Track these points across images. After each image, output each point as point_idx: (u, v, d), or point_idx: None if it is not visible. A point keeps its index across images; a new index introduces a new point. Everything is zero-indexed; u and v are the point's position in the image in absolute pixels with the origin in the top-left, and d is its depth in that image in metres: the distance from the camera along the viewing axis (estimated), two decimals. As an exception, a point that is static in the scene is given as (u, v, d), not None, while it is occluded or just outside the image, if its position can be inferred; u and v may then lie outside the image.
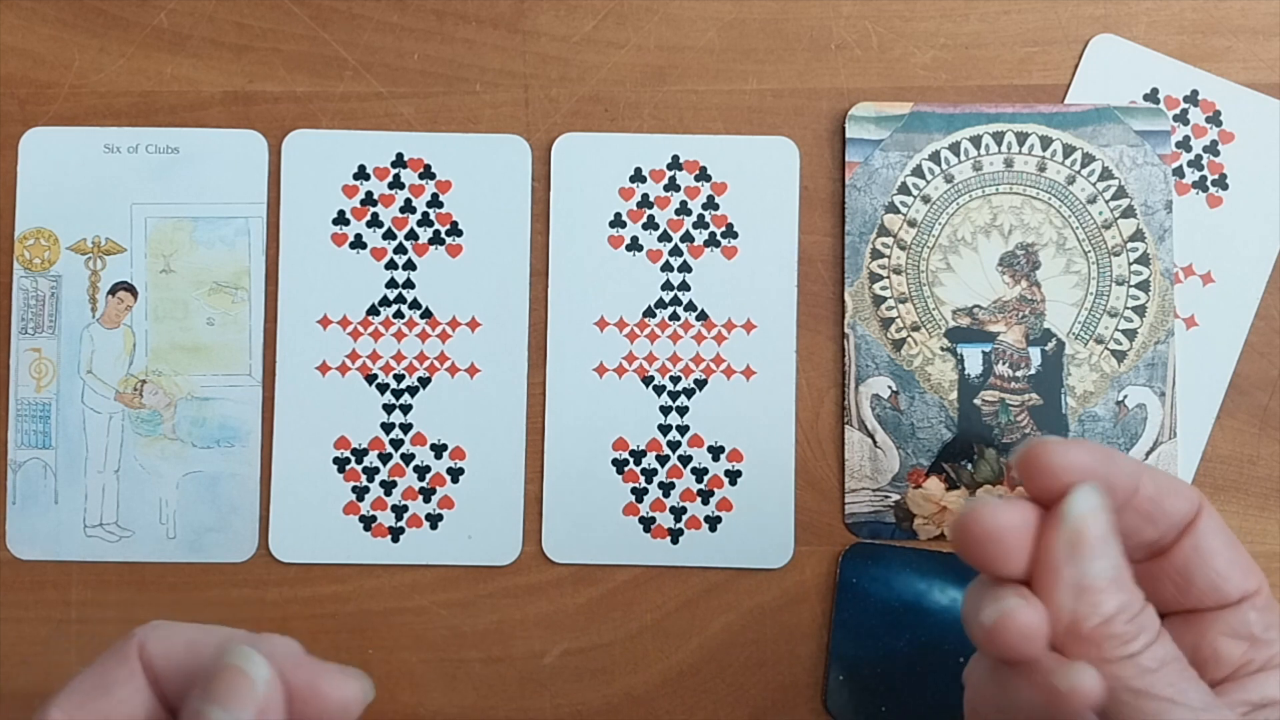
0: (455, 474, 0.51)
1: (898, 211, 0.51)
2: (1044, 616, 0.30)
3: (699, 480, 0.50)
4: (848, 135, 0.51)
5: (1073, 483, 0.31)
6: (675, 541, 0.50)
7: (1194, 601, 0.34)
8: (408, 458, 0.51)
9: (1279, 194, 0.51)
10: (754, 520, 0.50)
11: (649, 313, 0.51)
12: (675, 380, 0.51)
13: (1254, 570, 0.33)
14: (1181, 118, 0.52)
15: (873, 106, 0.51)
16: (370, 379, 0.51)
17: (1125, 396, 0.50)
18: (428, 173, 0.51)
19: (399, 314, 0.51)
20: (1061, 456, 0.31)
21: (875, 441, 0.50)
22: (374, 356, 0.51)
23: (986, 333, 0.51)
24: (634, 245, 0.51)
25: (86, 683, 0.30)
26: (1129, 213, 0.51)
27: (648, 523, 0.50)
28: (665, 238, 0.51)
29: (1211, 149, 0.51)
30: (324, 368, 0.51)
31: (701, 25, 0.52)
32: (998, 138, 0.51)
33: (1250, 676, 0.33)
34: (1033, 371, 0.51)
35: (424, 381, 0.51)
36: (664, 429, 0.51)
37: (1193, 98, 0.52)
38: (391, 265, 0.51)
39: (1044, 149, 0.51)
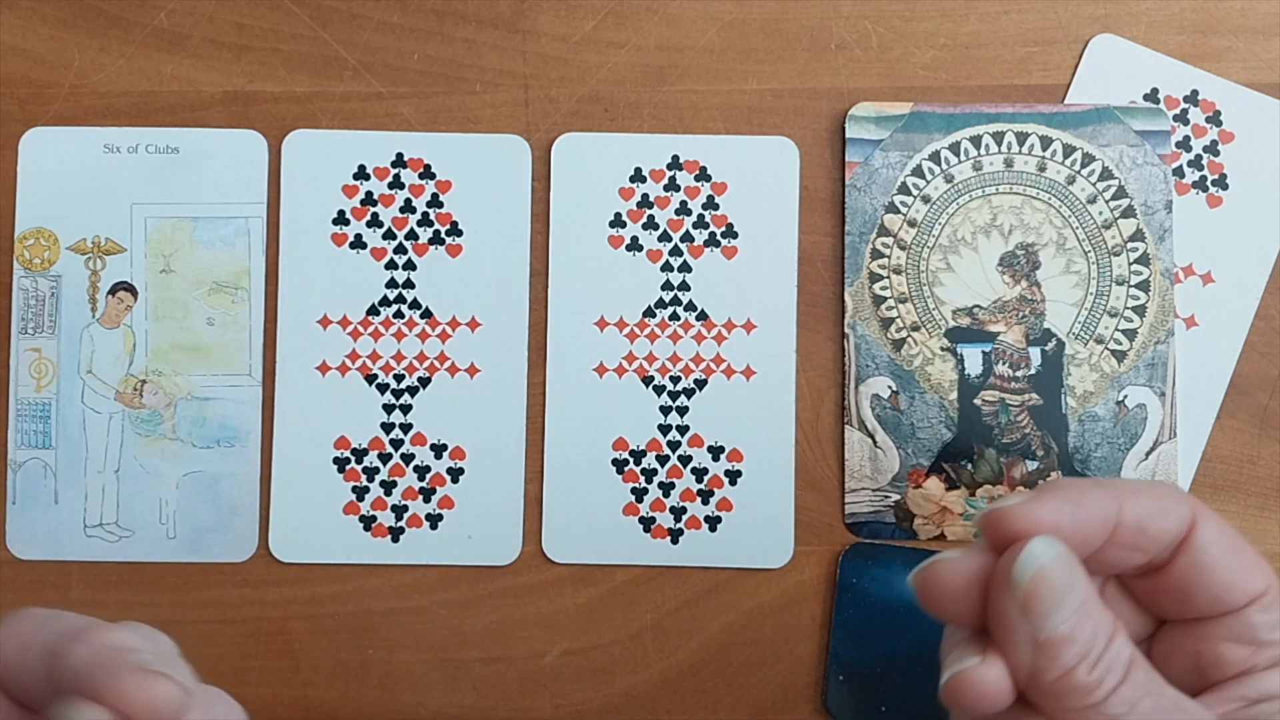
0: (455, 474, 0.51)
1: (898, 211, 0.51)
2: (1002, 675, 0.29)
3: (699, 480, 0.50)
4: (848, 135, 0.51)
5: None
6: (675, 541, 0.50)
7: (1196, 612, 0.32)
8: (408, 458, 0.51)
9: (1279, 194, 0.51)
10: (754, 520, 0.50)
11: (649, 313, 0.51)
12: (675, 380, 0.51)
13: (1260, 571, 0.32)
14: (1181, 118, 0.52)
15: (873, 106, 0.51)
16: (370, 379, 0.51)
17: (1125, 396, 0.50)
18: (428, 173, 0.51)
19: (399, 314, 0.51)
20: (1022, 521, 0.29)
21: (875, 441, 0.50)
22: (374, 356, 0.51)
23: (986, 333, 0.51)
24: (634, 245, 0.51)
25: None
26: (1129, 213, 0.51)
27: (648, 523, 0.50)
28: (665, 238, 0.51)
29: (1211, 149, 0.51)
30: (324, 368, 0.51)
31: (701, 25, 0.52)
32: (998, 138, 0.51)
33: (1251, 675, 0.32)
34: (1033, 371, 0.51)
35: (424, 381, 0.51)
36: (664, 429, 0.51)
37: (1193, 98, 0.52)
38: (391, 265, 0.51)
39: (1044, 149, 0.51)
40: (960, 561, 0.30)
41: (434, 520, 0.50)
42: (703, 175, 0.51)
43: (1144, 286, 0.51)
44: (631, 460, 0.50)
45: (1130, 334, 0.51)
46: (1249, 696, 0.31)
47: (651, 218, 0.51)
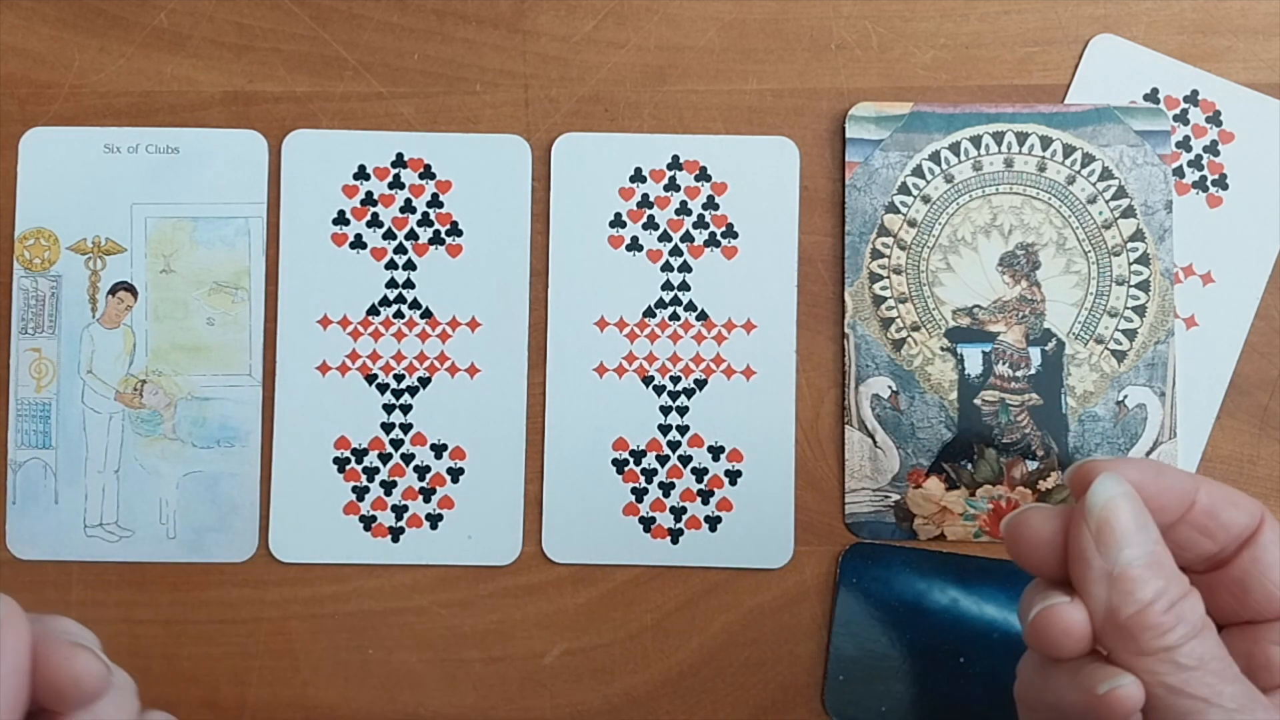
0: (455, 474, 0.51)
1: (898, 211, 0.51)
2: (1085, 616, 0.30)
3: (699, 480, 0.50)
4: (848, 135, 0.51)
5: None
6: (675, 541, 0.50)
7: (1251, 613, 0.33)
8: (408, 458, 0.51)
9: (1279, 194, 0.51)
10: (754, 520, 0.50)
11: (649, 313, 0.51)
12: (675, 380, 0.51)
13: None
14: (1181, 118, 0.52)
15: (873, 106, 0.51)
16: (370, 379, 0.51)
17: (1125, 396, 0.50)
18: (428, 173, 0.51)
19: (399, 314, 0.51)
20: (1109, 472, 0.31)
21: (875, 441, 0.50)
22: (374, 356, 0.51)
23: (986, 333, 0.51)
24: (634, 245, 0.51)
25: None
26: (1129, 213, 0.51)
27: (648, 523, 0.50)
28: (665, 238, 0.51)
29: (1211, 149, 0.51)
30: (324, 368, 0.51)
31: (701, 25, 0.52)
32: (998, 138, 0.51)
33: None
34: (1033, 371, 0.51)
35: (424, 381, 0.51)
36: (664, 429, 0.51)
37: (1193, 98, 0.52)
38: (391, 265, 0.51)
39: (1044, 149, 0.51)
40: (1048, 511, 0.32)
41: (434, 520, 0.50)
42: (703, 175, 0.51)
43: (1144, 286, 0.51)
44: (631, 460, 0.50)
45: (1130, 334, 0.51)
46: None
47: (651, 218, 0.51)
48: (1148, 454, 0.50)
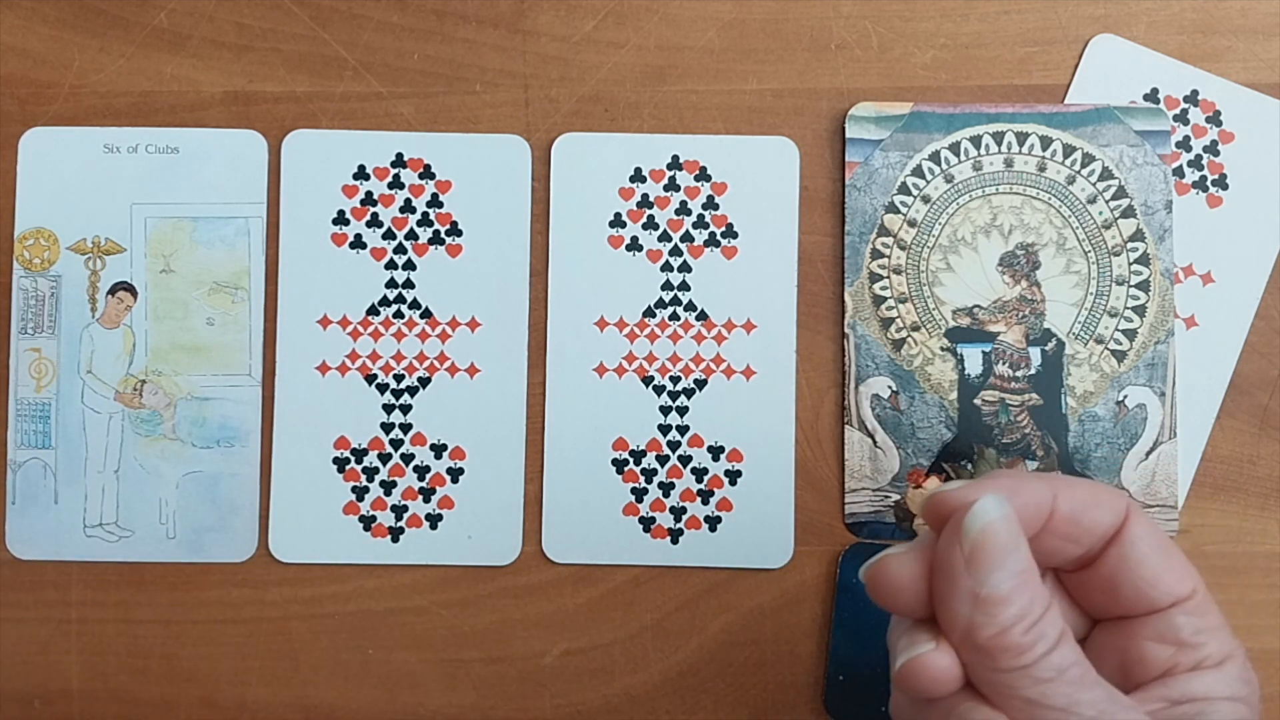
0: (455, 474, 0.51)
1: (898, 211, 0.51)
2: (951, 660, 0.31)
3: (699, 480, 0.50)
4: (848, 135, 0.51)
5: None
6: (675, 541, 0.50)
7: (1122, 609, 0.33)
8: (408, 458, 0.51)
9: (1279, 194, 0.51)
10: (754, 520, 0.50)
11: (649, 313, 0.51)
12: (675, 380, 0.51)
13: (1187, 574, 0.33)
14: (1181, 118, 0.52)
15: (873, 106, 0.51)
16: (370, 379, 0.51)
17: (1125, 396, 0.50)
18: (428, 173, 0.51)
19: (399, 314, 0.51)
20: (963, 503, 0.31)
21: (875, 441, 0.50)
22: (374, 356, 0.51)
23: (986, 333, 0.51)
24: (634, 245, 0.51)
25: None
26: (1129, 213, 0.51)
27: (648, 523, 0.50)
28: (665, 238, 0.51)
29: (1211, 149, 0.51)
30: (324, 368, 0.51)
31: (701, 25, 0.52)
32: (998, 138, 0.51)
33: (1176, 676, 0.33)
34: (1033, 371, 0.51)
35: (424, 381, 0.51)
36: (664, 429, 0.51)
37: (1193, 98, 0.52)
38: (391, 265, 0.51)
39: (1044, 149, 0.51)
40: (907, 555, 0.32)
41: (434, 520, 0.50)
42: (703, 175, 0.51)
43: (1144, 286, 0.51)
44: (631, 460, 0.50)
45: (1130, 334, 0.51)
46: (1171, 697, 0.32)
47: (651, 218, 0.51)
48: (1148, 454, 0.50)
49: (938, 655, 0.31)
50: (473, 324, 0.51)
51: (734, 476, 0.50)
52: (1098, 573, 0.33)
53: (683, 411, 0.51)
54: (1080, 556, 0.33)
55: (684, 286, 0.51)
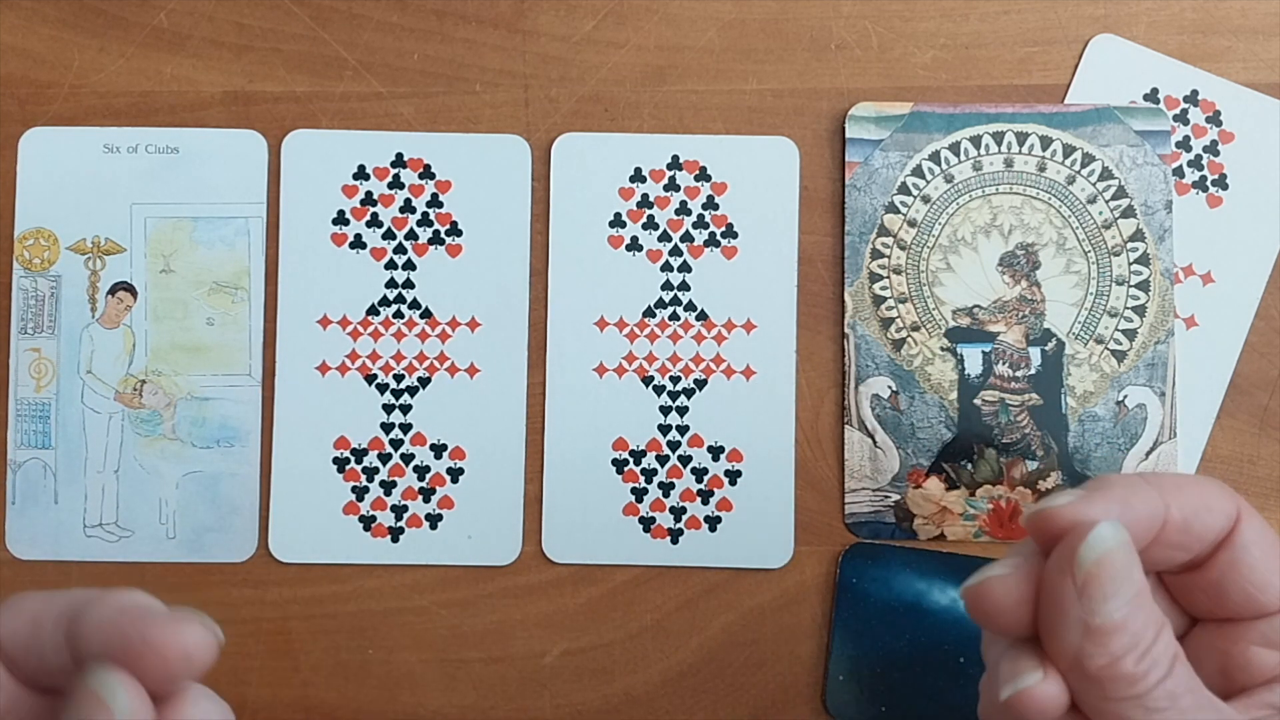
0: (455, 474, 0.51)
1: (898, 211, 0.51)
2: (1062, 689, 0.29)
3: (699, 480, 0.50)
4: (848, 135, 0.51)
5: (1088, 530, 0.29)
6: (675, 541, 0.50)
7: (1229, 612, 0.32)
8: (407, 458, 0.51)
9: (1279, 194, 0.51)
10: (754, 520, 0.50)
11: (649, 313, 0.51)
12: (675, 380, 0.51)
13: None
14: (1181, 118, 0.52)
15: (873, 106, 0.51)
16: (370, 379, 0.51)
17: (1125, 396, 0.50)
18: (428, 173, 0.51)
19: (399, 314, 0.51)
20: (1073, 520, 0.29)
21: (875, 441, 0.50)
22: (374, 356, 0.51)
23: (986, 333, 0.51)
24: (634, 245, 0.51)
25: None
26: (1129, 213, 0.51)
27: (648, 523, 0.50)
28: (665, 238, 0.51)
29: (1211, 149, 0.51)
30: (324, 368, 0.51)
31: (701, 25, 0.52)
32: (998, 138, 0.51)
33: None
34: (1033, 371, 0.51)
35: (424, 381, 0.51)
36: (664, 429, 0.51)
37: (1193, 98, 0.52)
38: (391, 265, 0.51)
39: (1044, 149, 0.51)
40: (1011, 576, 0.30)
41: (434, 520, 0.50)
42: (703, 175, 0.51)
43: (1144, 286, 0.51)
44: (631, 460, 0.50)
45: (1130, 334, 0.51)
46: (1276, 704, 0.31)
47: (651, 218, 0.51)
48: (1148, 454, 0.50)
49: (1047, 685, 0.29)
50: (473, 324, 0.51)
51: (734, 476, 0.50)
52: (1204, 576, 0.32)
53: (683, 411, 0.51)
54: (1186, 562, 0.32)
55: (684, 286, 0.51)
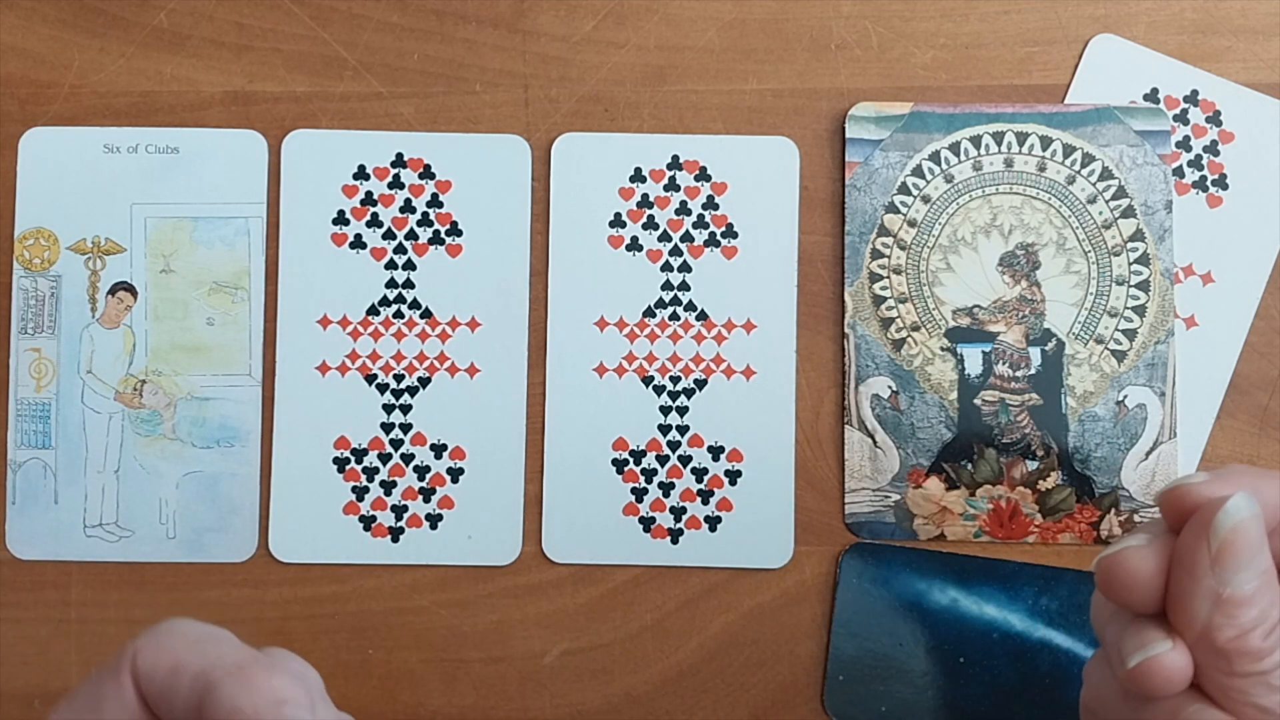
0: (455, 474, 0.51)
1: (898, 211, 0.51)
2: (1188, 660, 0.30)
3: (699, 480, 0.50)
4: (848, 135, 0.51)
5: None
6: (675, 541, 0.50)
7: None
8: (408, 458, 0.51)
9: (1279, 194, 0.51)
10: (754, 520, 0.50)
11: (649, 313, 0.51)
12: (675, 380, 0.51)
13: None
14: (1181, 118, 0.52)
15: (873, 106, 0.51)
16: (370, 379, 0.51)
17: (1125, 396, 0.50)
18: (428, 173, 0.51)
19: (399, 314, 0.51)
20: (1207, 496, 0.30)
21: (875, 441, 0.50)
22: (374, 356, 0.51)
23: (986, 333, 0.51)
24: (634, 245, 0.51)
25: (80, 698, 0.29)
26: (1129, 213, 0.51)
27: (648, 523, 0.50)
28: (665, 238, 0.51)
29: (1211, 149, 0.51)
30: (324, 368, 0.51)
31: (701, 25, 0.52)
32: (998, 138, 0.51)
33: None
34: (1033, 371, 0.51)
35: (424, 381, 0.51)
36: (664, 429, 0.51)
37: (1193, 98, 0.52)
38: (391, 265, 0.51)
39: (1044, 149, 0.51)
40: (1147, 548, 0.31)
41: (434, 520, 0.50)
42: (703, 175, 0.51)
43: (1144, 286, 0.51)
44: (631, 460, 0.50)
45: (1130, 334, 0.51)
46: None
47: (651, 218, 0.51)
48: (1148, 454, 0.50)
49: (1175, 655, 0.30)
50: (473, 324, 0.51)
51: (734, 476, 0.50)
52: None
53: (683, 411, 0.51)
54: None
55: (684, 286, 0.51)
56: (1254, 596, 0.29)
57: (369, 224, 0.51)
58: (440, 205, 0.51)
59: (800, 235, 0.51)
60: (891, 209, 0.51)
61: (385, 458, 0.51)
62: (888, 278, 0.51)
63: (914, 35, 0.52)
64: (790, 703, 0.50)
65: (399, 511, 0.50)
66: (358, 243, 0.51)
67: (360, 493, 0.50)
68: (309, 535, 0.50)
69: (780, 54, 0.52)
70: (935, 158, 0.51)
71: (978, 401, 0.50)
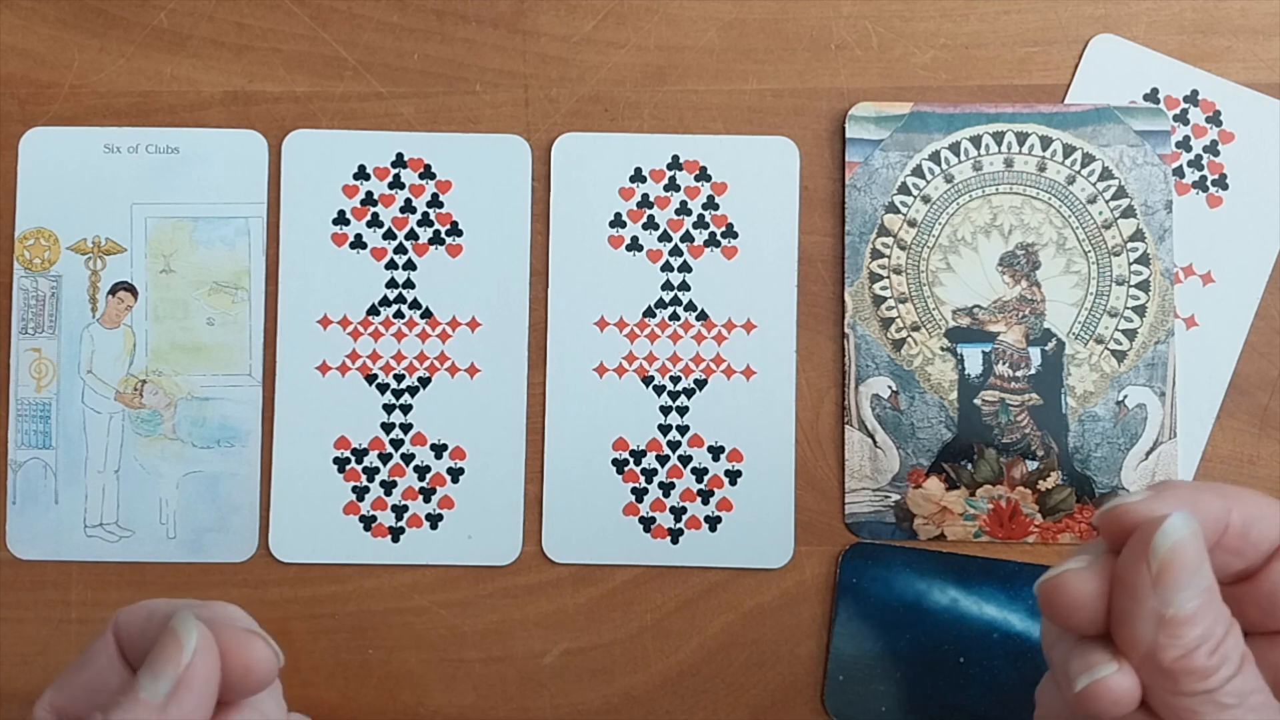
0: (455, 474, 0.51)
1: (898, 211, 0.51)
2: (1135, 683, 0.30)
3: (699, 480, 0.50)
4: (848, 135, 0.51)
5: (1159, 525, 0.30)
6: (675, 541, 0.50)
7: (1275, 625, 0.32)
8: (408, 458, 0.51)
9: (1279, 194, 0.51)
10: (754, 520, 0.50)
11: (649, 313, 0.51)
12: (675, 380, 0.51)
13: None
14: (1181, 118, 0.52)
15: (873, 106, 0.51)
16: (370, 379, 0.51)
17: (1125, 396, 0.50)
18: (428, 173, 0.51)
19: (399, 314, 0.51)
20: (1145, 515, 0.30)
21: (875, 441, 0.50)
22: (374, 356, 0.51)
23: (986, 333, 0.51)
24: (634, 245, 0.51)
25: (76, 662, 0.33)
26: (1129, 213, 0.51)
27: (648, 523, 0.50)
28: (665, 238, 0.51)
29: (1211, 149, 0.51)
30: (324, 368, 0.51)
31: (701, 25, 0.52)
32: (998, 138, 0.51)
33: None
34: (1033, 371, 0.51)
35: (424, 381, 0.51)
36: (664, 429, 0.51)
37: (1193, 98, 0.52)
38: (391, 265, 0.51)
39: (1044, 149, 0.51)
40: (1086, 571, 0.30)
41: (434, 520, 0.50)
42: (703, 175, 0.51)
43: (1144, 286, 0.51)
44: (631, 460, 0.50)
45: (1130, 334, 0.51)
46: None
47: (651, 218, 0.51)
48: (1148, 454, 0.50)
49: (1121, 677, 0.30)
50: (473, 324, 0.51)
51: (734, 476, 0.50)
52: (1256, 587, 0.32)
53: (683, 411, 0.51)
54: (1241, 570, 0.32)
55: (684, 286, 0.51)
56: (1197, 615, 0.29)
57: (369, 224, 0.51)
58: (440, 205, 0.51)
59: (800, 235, 0.51)
60: (891, 209, 0.51)
61: (385, 458, 0.51)
62: (888, 278, 0.51)
63: (914, 35, 0.52)
64: (790, 703, 0.50)
65: (399, 511, 0.50)
66: (358, 243, 0.51)
67: (360, 493, 0.50)
68: (309, 535, 0.50)
69: (780, 54, 0.52)
70: (935, 158, 0.51)
71: (978, 401, 0.50)
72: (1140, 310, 0.51)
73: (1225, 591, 0.32)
